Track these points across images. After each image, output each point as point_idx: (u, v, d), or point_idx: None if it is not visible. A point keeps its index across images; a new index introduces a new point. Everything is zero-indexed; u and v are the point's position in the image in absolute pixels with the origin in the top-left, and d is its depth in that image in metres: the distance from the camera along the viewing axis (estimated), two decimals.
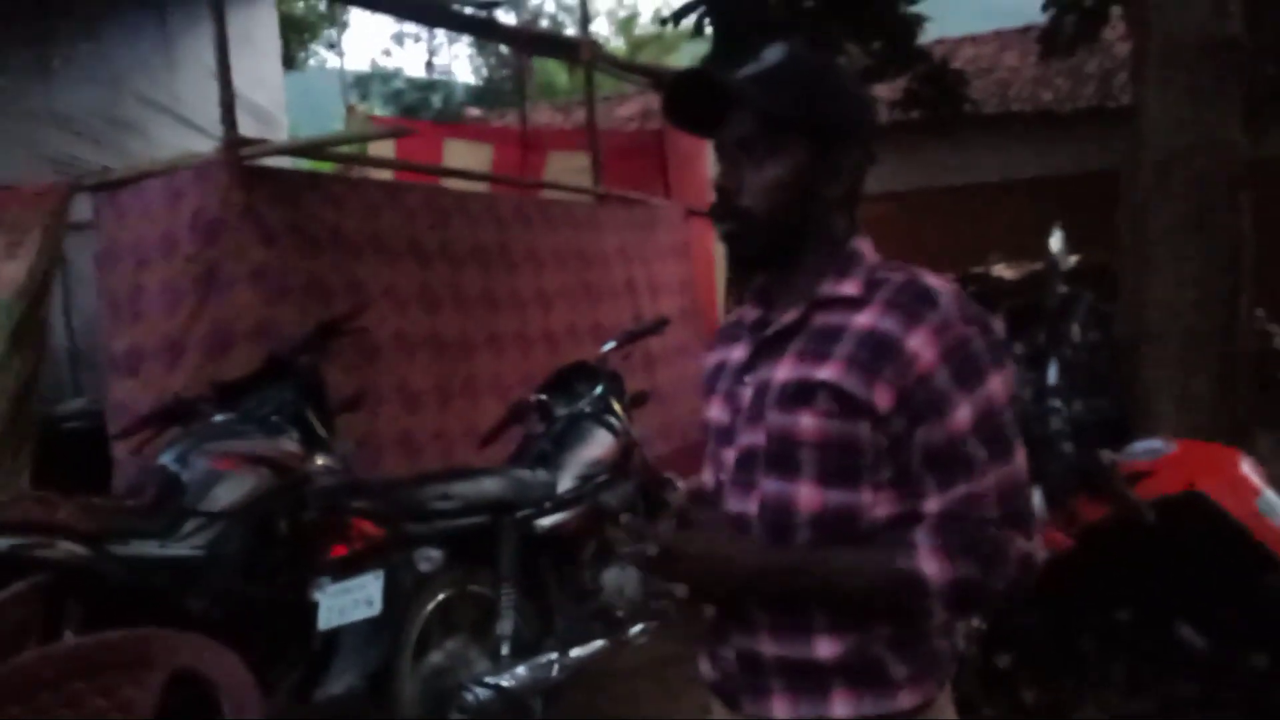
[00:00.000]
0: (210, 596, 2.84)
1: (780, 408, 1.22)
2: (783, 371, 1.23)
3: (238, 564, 2.93)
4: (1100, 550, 2.40)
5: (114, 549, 2.72)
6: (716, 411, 1.32)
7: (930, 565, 1.15)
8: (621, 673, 3.73)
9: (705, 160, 7.41)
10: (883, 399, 1.17)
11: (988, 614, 2.58)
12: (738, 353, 1.32)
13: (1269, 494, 2.38)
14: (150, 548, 2.80)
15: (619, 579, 3.43)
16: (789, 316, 1.26)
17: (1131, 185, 5.12)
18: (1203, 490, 2.34)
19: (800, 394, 1.20)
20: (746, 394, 1.27)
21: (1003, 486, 1.17)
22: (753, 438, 1.24)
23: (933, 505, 1.17)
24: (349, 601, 2.66)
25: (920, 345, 1.16)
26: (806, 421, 1.19)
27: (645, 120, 11.44)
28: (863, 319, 1.21)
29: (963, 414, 1.16)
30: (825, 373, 1.19)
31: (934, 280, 1.22)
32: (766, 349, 1.27)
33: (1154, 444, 2.52)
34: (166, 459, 3.06)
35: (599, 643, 3.24)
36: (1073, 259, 5.88)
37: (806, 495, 1.20)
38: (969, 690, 2.80)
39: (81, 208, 4.52)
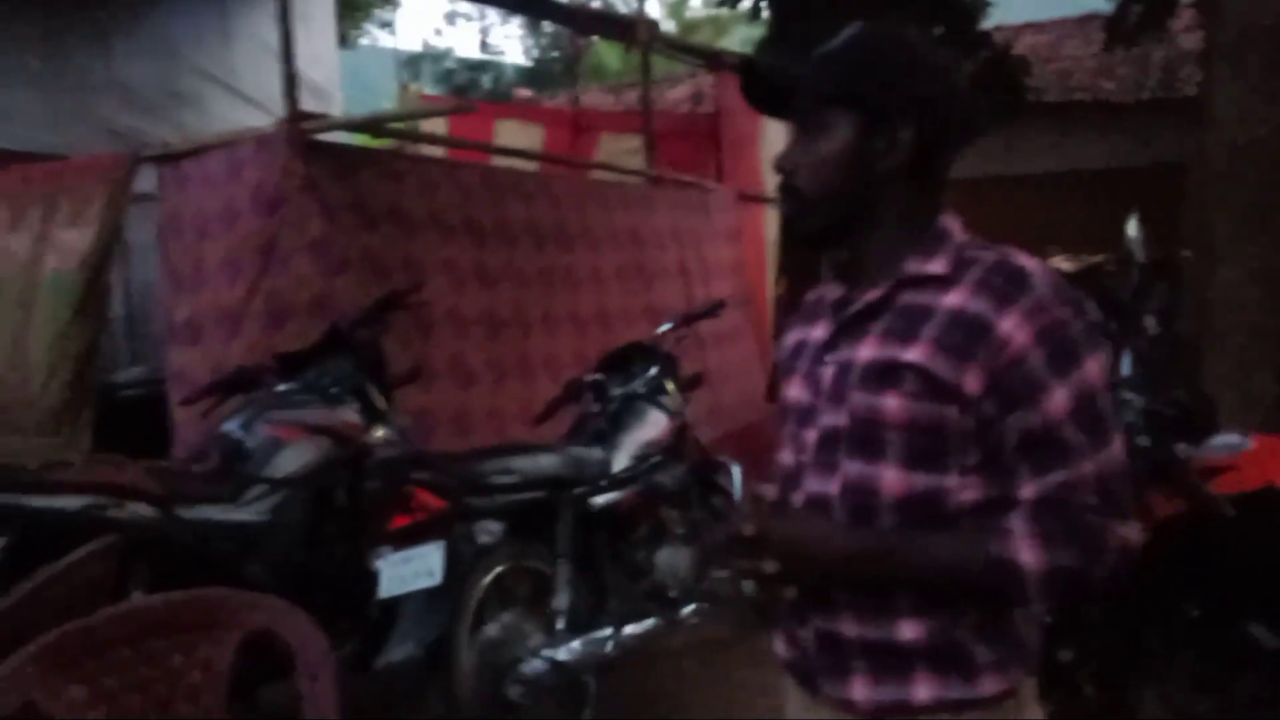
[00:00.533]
0: (272, 562, 2.88)
1: (864, 388, 1.20)
2: (866, 351, 1.21)
3: (299, 531, 2.96)
4: (1173, 545, 2.35)
5: (181, 512, 2.76)
6: (796, 391, 1.30)
7: (1027, 553, 1.12)
8: (673, 652, 3.73)
9: (758, 144, 7.36)
10: (972, 383, 1.14)
11: (1087, 603, 2.54)
12: (819, 331, 1.30)
13: None
14: (215, 512, 2.84)
15: (672, 559, 3.43)
16: (873, 295, 1.23)
17: (1198, 178, 5.03)
18: None
19: (886, 375, 1.18)
20: (828, 374, 1.24)
21: (1101, 473, 1.14)
22: (835, 418, 1.22)
23: (1028, 492, 1.14)
24: (410, 571, 2.68)
25: (1013, 328, 1.13)
26: (892, 403, 1.17)
27: (697, 103, 11.36)
28: (952, 299, 1.17)
29: (1058, 399, 1.13)
30: (912, 354, 1.16)
31: (1027, 260, 1.18)
32: (849, 328, 1.25)
33: (1231, 439, 2.46)
34: (230, 426, 3.09)
35: (652, 621, 3.25)
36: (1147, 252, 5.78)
37: (891, 478, 1.18)
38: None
39: (140, 180, 4.58)
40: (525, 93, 13.89)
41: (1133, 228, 2.59)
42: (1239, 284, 4.83)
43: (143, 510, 2.64)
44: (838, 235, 1.27)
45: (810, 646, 1.26)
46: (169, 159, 4.63)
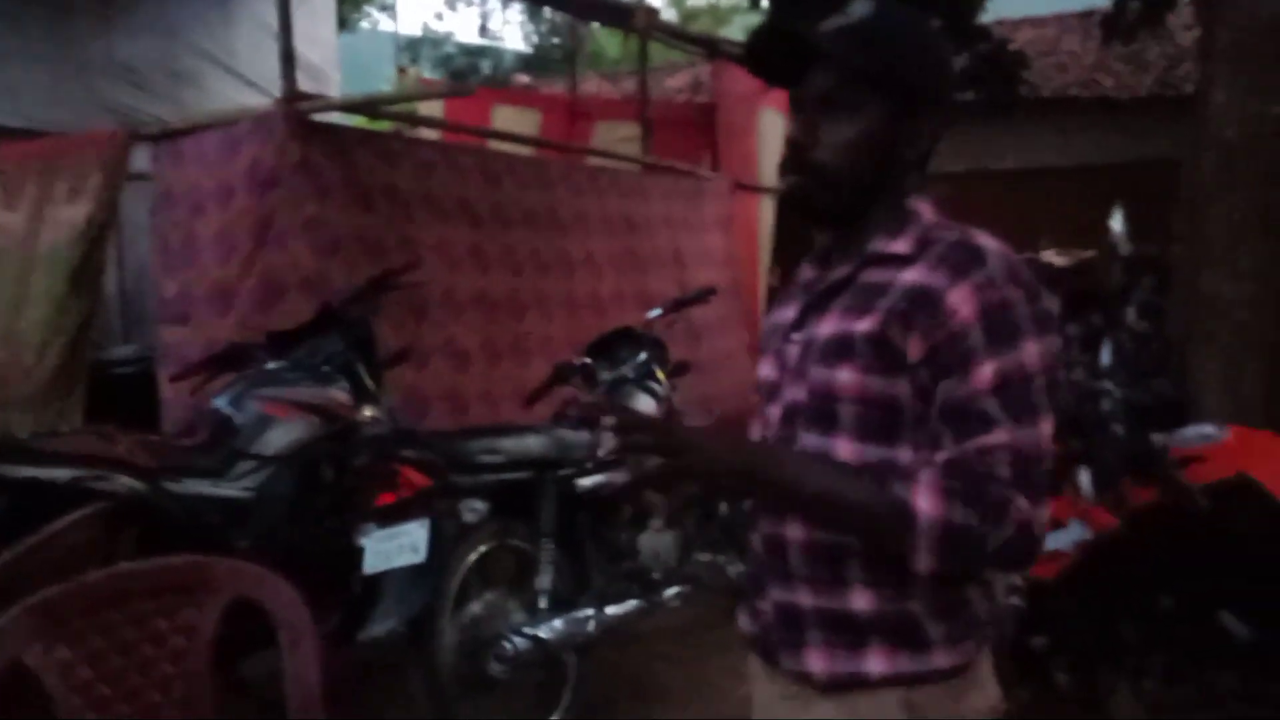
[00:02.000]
0: (258, 536, 2.90)
1: (823, 362, 1.22)
2: (826, 327, 1.24)
3: (286, 506, 2.98)
4: (1147, 535, 2.39)
5: (169, 485, 2.79)
6: (766, 369, 1.34)
7: (925, 501, 1.11)
8: (654, 634, 3.77)
9: (754, 134, 7.36)
10: (915, 349, 1.16)
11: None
12: (789, 312, 1.33)
13: None
14: (204, 486, 2.86)
15: (654, 541, 3.46)
16: (839, 273, 1.27)
17: (1192, 176, 5.03)
18: (1254, 477, 2.31)
19: (841, 348, 1.20)
20: (793, 351, 1.28)
21: (1018, 450, 1.13)
22: (796, 393, 1.25)
23: (943, 455, 1.15)
24: (394, 547, 2.71)
25: (960, 300, 1.14)
26: (845, 376, 1.19)
27: (695, 92, 11.37)
28: (909, 275, 1.19)
29: (985, 372, 1.13)
30: (864, 325, 1.19)
31: (987, 240, 1.19)
32: (815, 306, 1.28)
33: (1206, 429, 2.49)
34: (220, 402, 3.12)
35: (633, 602, 3.28)
36: (1132, 246, 5.79)
37: (844, 450, 1.20)
38: (1002, 670, 2.80)
39: (136, 159, 4.59)
40: (524, 79, 13.87)
41: (1117, 222, 2.62)
42: (1229, 282, 4.83)
43: (131, 482, 2.67)
44: (847, 217, 1.28)
45: (770, 618, 1.28)
46: (165, 137, 4.64)
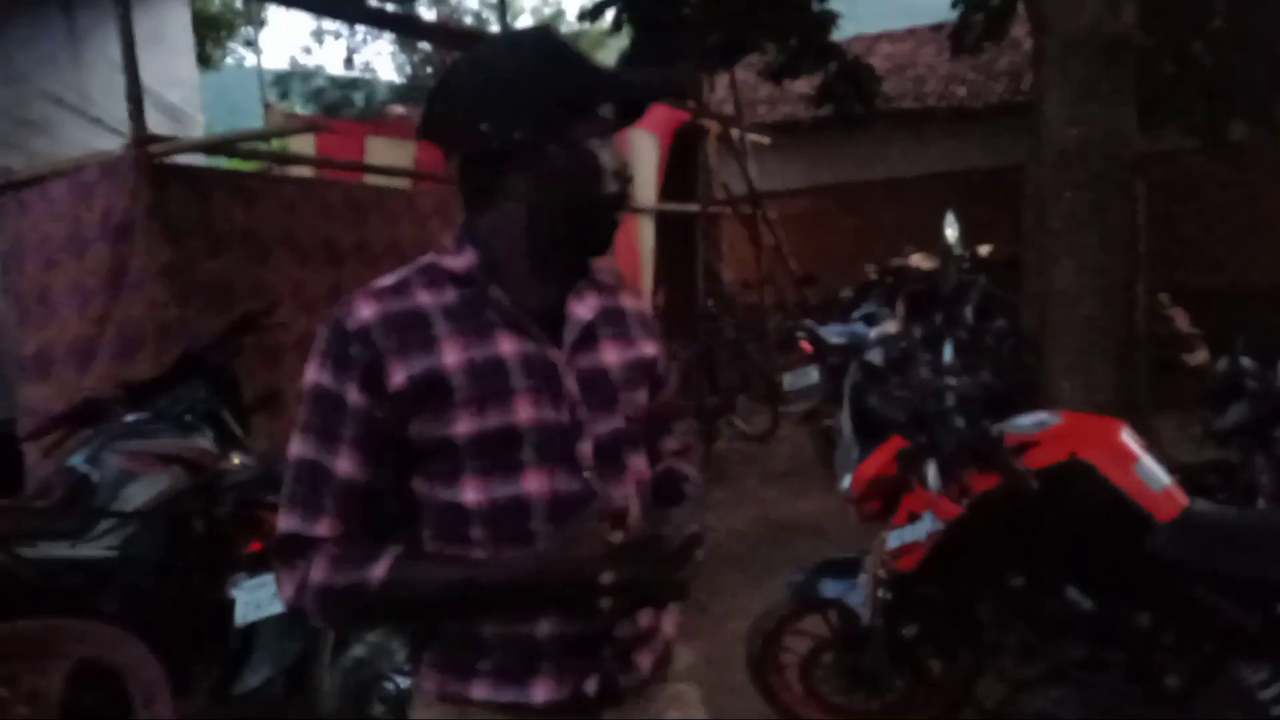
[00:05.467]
0: (124, 596, 2.80)
1: (628, 387, 1.28)
2: (611, 355, 1.28)
3: (152, 563, 2.89)
4: (988, 519, 2.52)
5: (23, 551, 2.67)
6: (535, 412, 1.19)
7: None
8: None
9: (627, 155, 7.47)
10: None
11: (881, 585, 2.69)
12: (511, 346, 1.21)
13: (1146, 459, 2.53)
14: (60, 549, 2.76)
15: None
16: (593, 303, 1.28)
17: (1034, 178, 5.32)
18: (1084, 458, 2.47)
19: (634, 372, 1.30)
20: (572, 383, 1.23)
21: None
22: (609, 424, 1.25)
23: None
24: (265, 596, 2.67)
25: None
26: (642, 398, 1.31)
27: None
28: (626, 301, 1.35)
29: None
30: (649, 349, 1.33)
31: None
32: (585, 338, 1.26)
33: (1040, 416, 2.64)
34: (76, 460, 3.01)
35: None
36: (983, 249, 6.08)
37: (642, 464, 1.31)
38: (877, 662, 2.91)
39: None
40: (398, 109, 13.76)
41: (951, 228, 2.76)
42: (1074, 276, 5.10)
43: None
44: None
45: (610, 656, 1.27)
46: (11, 188, 4.47)
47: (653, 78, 1.38)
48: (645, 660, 1.28)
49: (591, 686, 1.22)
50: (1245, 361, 3.79)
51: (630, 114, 1.30)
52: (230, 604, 2.75)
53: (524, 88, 1.20)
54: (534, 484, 1.19)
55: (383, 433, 1.18)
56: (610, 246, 1.29)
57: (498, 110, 1.20)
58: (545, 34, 1.29)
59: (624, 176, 1.26)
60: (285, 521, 1.19)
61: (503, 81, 1.21)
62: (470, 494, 1.18)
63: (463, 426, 1.16)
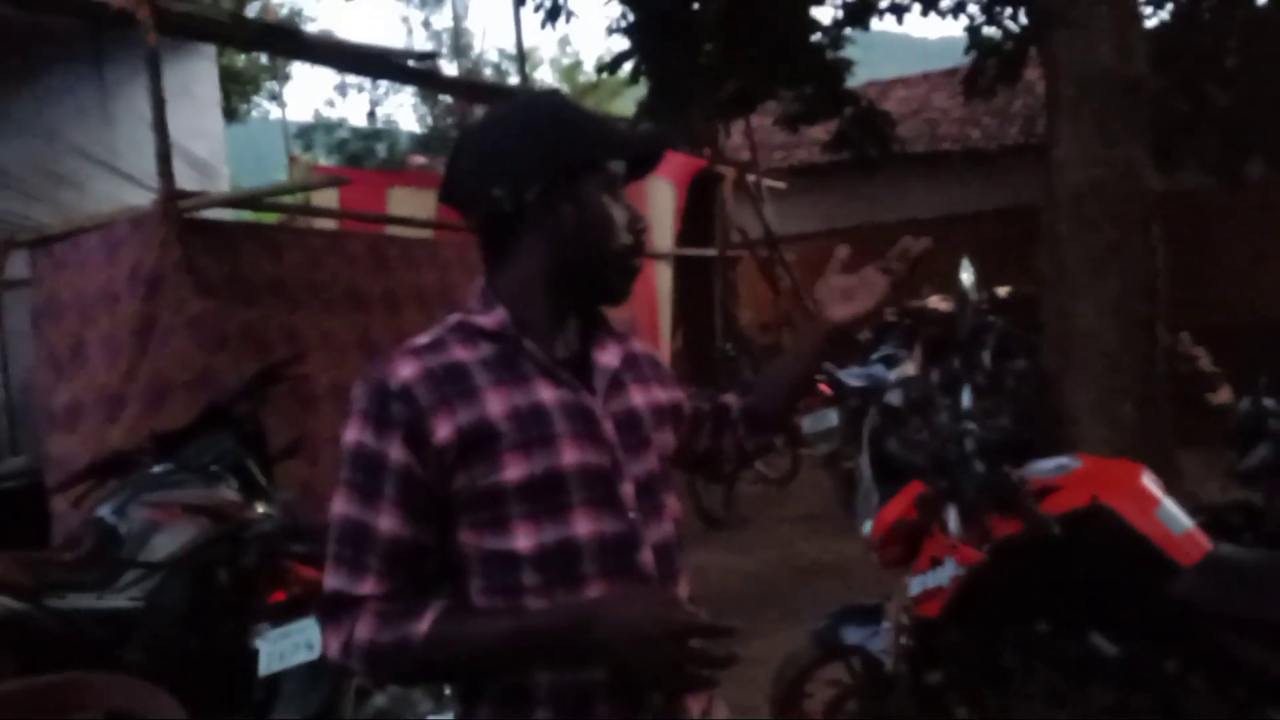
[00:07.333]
0: (149, 647, 2.84)
1: (658, 429, 1.33)
2: (638, 398, 1.33)
3: (177, 614, 2.92)
4: (1013, 564, 2.51)
5: (50, 602, 2.71)
6: (579, 455, 1.22)
7: None
8: None
9: (646, 202, 7.57)
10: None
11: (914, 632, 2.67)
12: (548, 393, 1.24)
13: (1168, 504, 2.51)
14: (87, 600, 2.79)
15: None
16: (615, 350, 1.34)
17: (1050, 219, 5.35)
18: (1106, 503, 2.46)
19: (661, 415, 1.35)
20: (609, 427, 1.26)
21: None
22: (646, 465, 1.29)
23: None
24: (289, 646, 2.68)
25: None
26: (669, 439, 1.36)
27: None
28: (638, 346, 1.40)
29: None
30: (670, 394, 1.39)
31: None
32: (616, 382, 1.31)
33: (1061, 460, 2.63)
34: (103, 511, 3.06)
35: None
36: (1002, 291, 6.06)
37: (676, 503, 1.34)
38: (902, 710, 2.88)
39: (17, 265, 4.52)
40: (419, 159, 13.99)
41: (966, 273, 2.78)
42: (1094, 318, 5.10)
43: (9, 602, 2.60)
44: None
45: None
46: (43, 242, 4.58)
47: (654, 133, 1.42)
48: (695, 706, 1.29)
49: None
50: (1268, 402, 3.76)
51: (642, 166, 1.35)
52: (254, 654, 2.76)
53: (532, 150, 1.25)
54: (583, 526, 1.21)
55: (425, 489, 1.20)
56: (629, 295, 1.33)
57: (509, 174, 1.24)
58: (552, 96, 1.36)
59: (637, 228, 1.31)
60: (330, 580, 1.22)
61: (512, 145, 1.26)
62: (522, 540, 1.19)
63: (511, 473, 1.19)
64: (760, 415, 1.53)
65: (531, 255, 1.27)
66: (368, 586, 1.19)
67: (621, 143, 1.31)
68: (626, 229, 1.29)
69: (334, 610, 1.20)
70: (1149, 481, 2.56)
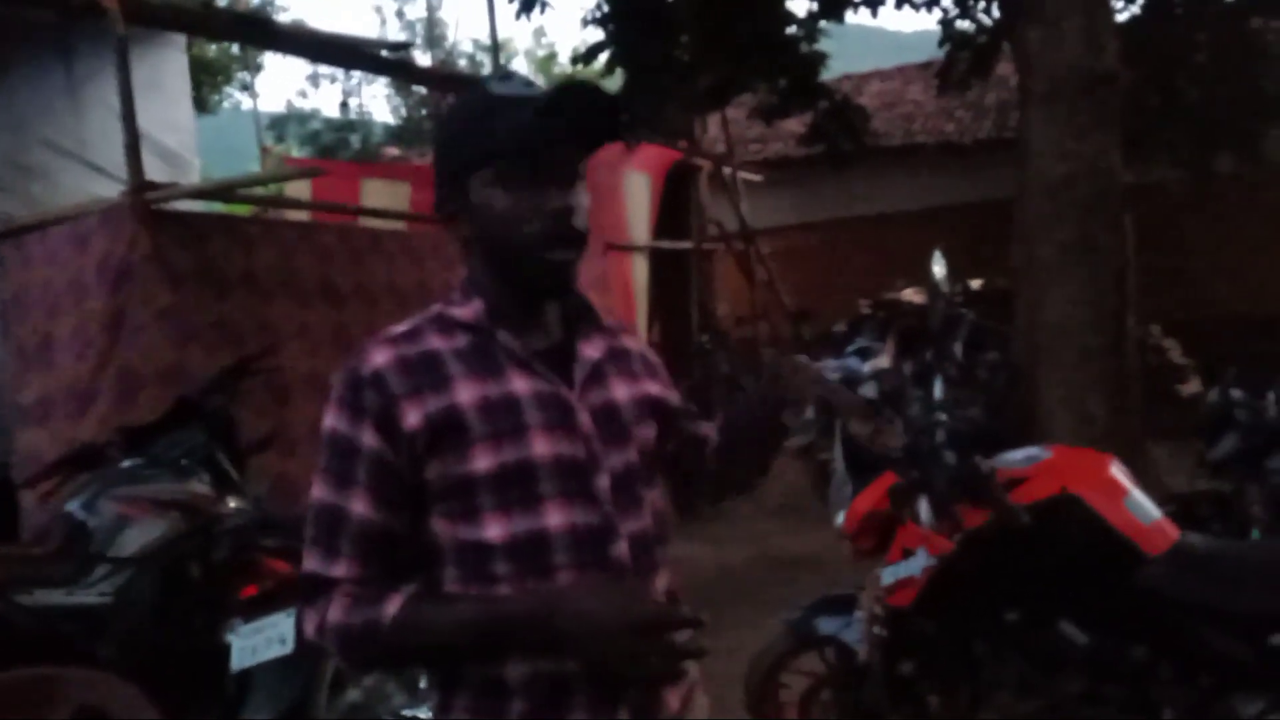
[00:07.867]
0: (120, 643, 2.81)
1: (638, 423, 1.32)
2: (620, 391, 1.31)
3: (148, 609, 2.89)
4: (983, 554, 2.53)
5: (19, 598, 2.68)
6: (552, 446, 1.22)
7: None
8: None
9: (622, 195, 7.57)
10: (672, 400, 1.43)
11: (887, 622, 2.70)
12: (523, 384, 1.24)
13: (1136, 494, 2.55)
14: (56, 596, 2.76)
15: None
16: (600, 342, 1.32)
17: (1022, 212, 5.39)
18: (1074, 492, 2.49)
19: (642, 408, 1.33)
20: (586, 420, 1.25)
21: None
22: (624, 458, 1.28)
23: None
24: (261, 641, 2.67)
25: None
26: (650, 432, 1.34)
27: None
28: (628, 341, 1.40)
29: None
30: (655, 387, 1.37)
31: None
32: (594, 375, 1.30)
33: (1031, 451, 2.66)
34: (72, 506, 3.02)
35: None
36: (974, 283, 6.09)
37: (657, 497, 1.34)
38: (875, 699, 2.90)
39: None
40: (393, 151, 13.90)
41: (938, 264, 2.79)
42: (1065, 310, 5.15)
43: None
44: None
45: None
46: (11, 234, 4.51)
47: (546, 121, 1.30)
48: (674, 699, 1.28)
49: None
50: (1236, 393, 3.82)
51: (585, 137, 1.26)
52: (227, 649, 2.74)
53: (461, 139, 1.26)
54: (554, 518, 1.21)
55: (398, 476, 1.20)
56: (563, 286, 1.27)
57: (448, 163, 1.28)
58: (466, 94, 1.31)
59: (557, 214, 1.22)
60: (307, 562, 1.23)
61: (450, 135, 1.29)
62: (493, 530, 1.19)
63: (481, 463, 1.19)
64: (733, 481, 1.53)
65: (476, 252, 1.29)
66: (341, 569, 1.20)
67: (508, 135, 1.22)
68: (533, 217, 1.21)
69: (310, 592, 1.22)
70: (1118, 471, 2.59)
